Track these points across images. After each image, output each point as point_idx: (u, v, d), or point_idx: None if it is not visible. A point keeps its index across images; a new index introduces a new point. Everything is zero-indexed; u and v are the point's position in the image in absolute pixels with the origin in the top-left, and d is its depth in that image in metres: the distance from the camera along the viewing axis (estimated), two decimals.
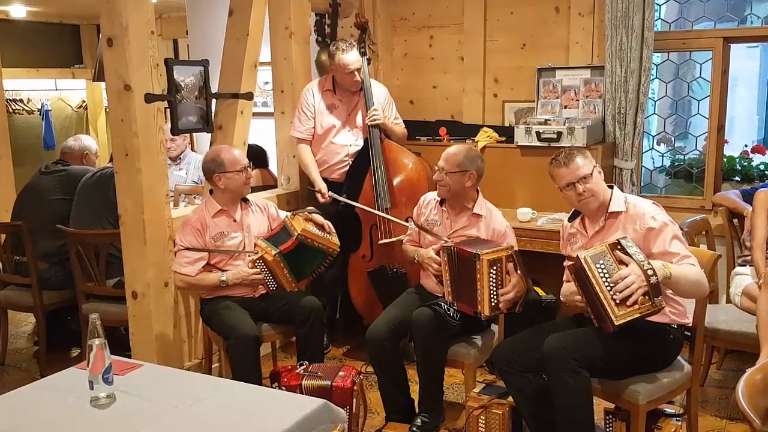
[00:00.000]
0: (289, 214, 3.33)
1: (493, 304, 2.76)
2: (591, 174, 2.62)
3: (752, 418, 1.62)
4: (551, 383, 2.52)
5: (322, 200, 3.90)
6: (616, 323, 2.34)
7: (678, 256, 2.49)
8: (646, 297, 2.35)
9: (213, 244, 3.21)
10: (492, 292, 2.76)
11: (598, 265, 2.39)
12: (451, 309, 2.96)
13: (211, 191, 3.29)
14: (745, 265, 3.39)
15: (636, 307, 2.35)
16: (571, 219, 2.83)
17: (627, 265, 2.38)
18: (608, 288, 2.37)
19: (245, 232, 3.29)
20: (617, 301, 2.35)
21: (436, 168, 3.11)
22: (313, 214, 3.28)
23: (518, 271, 2.80)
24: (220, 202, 3.25)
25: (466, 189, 3.09)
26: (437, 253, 3.00)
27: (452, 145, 4.48)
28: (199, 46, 5.27)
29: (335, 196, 3.89)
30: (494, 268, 2.75)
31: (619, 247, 2.42)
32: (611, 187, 2.71)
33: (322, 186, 3.93)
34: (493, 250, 2.78)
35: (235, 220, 3.28)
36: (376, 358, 3.08)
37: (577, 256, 2.43)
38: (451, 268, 2.89)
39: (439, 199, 3.21)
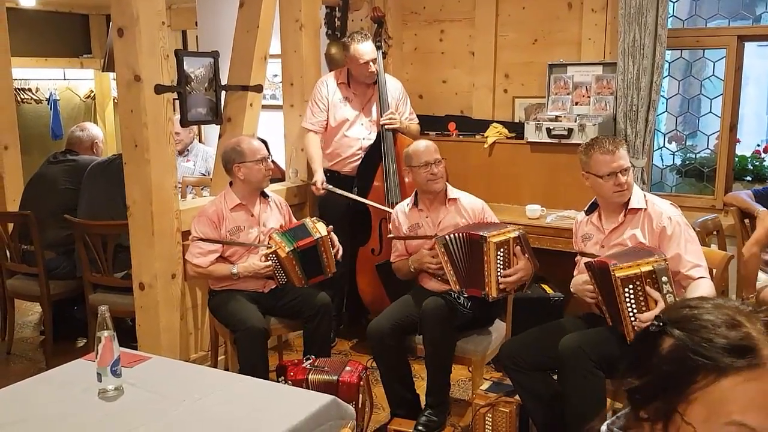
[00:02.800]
0: (314, 218, 3.32)
1: (500, 286, 2.81)
2: (630, 167, 2.63)
3: None
4: (565, 383, 2.50)
5: (316, 193, 3.88)
6: (629, 341, 2.39)
7: (689, 265, 2.49)
8: None
9: (228, 238, 3.19)
10: (499, 274, 2.80)
11: (627, 290, 2.36)
12: (461, 297, 2.95)
13: (231, 183, 3.27)
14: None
15: None
16: (588, 212, 2.80)
17: (656, 303, 2.33)
18: (631, 316, 2.37)
19: (262, 227, 3.27)
20: (635, 328, 2.36)
21: (426, 164, 3.06)
22: (333, 233, 3.26)
23: (525, 255, 2.82)
24: (239, 195, 3.22)
25: None
26: (431, 250, 3.01)
27: (460, 140, 4.47)
28: (208, 38, 5.24)
29: (330, 188, 3.85)
30: (501, 250, 2.79)
31: (653, 276, 2.35)
32: None
33: (318, 178, 3.88)
34: (499, 232, 2.82)
35: (252, 215, 3.26)
36: (377, 354, 3.06)
37: (612, 266, 2.37)
38: (451, 258, 2.90)
39: (411, 203, 3.21)
